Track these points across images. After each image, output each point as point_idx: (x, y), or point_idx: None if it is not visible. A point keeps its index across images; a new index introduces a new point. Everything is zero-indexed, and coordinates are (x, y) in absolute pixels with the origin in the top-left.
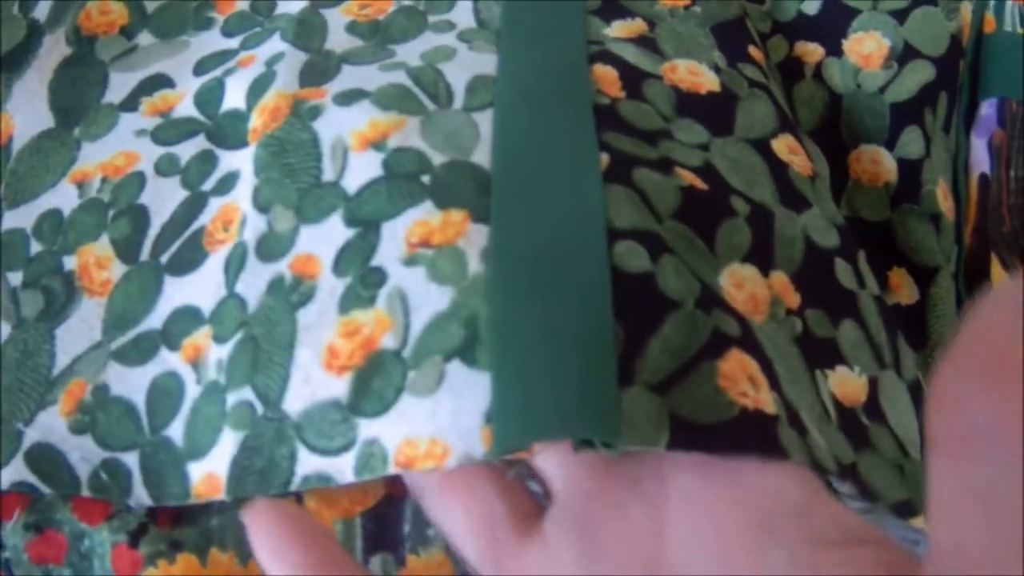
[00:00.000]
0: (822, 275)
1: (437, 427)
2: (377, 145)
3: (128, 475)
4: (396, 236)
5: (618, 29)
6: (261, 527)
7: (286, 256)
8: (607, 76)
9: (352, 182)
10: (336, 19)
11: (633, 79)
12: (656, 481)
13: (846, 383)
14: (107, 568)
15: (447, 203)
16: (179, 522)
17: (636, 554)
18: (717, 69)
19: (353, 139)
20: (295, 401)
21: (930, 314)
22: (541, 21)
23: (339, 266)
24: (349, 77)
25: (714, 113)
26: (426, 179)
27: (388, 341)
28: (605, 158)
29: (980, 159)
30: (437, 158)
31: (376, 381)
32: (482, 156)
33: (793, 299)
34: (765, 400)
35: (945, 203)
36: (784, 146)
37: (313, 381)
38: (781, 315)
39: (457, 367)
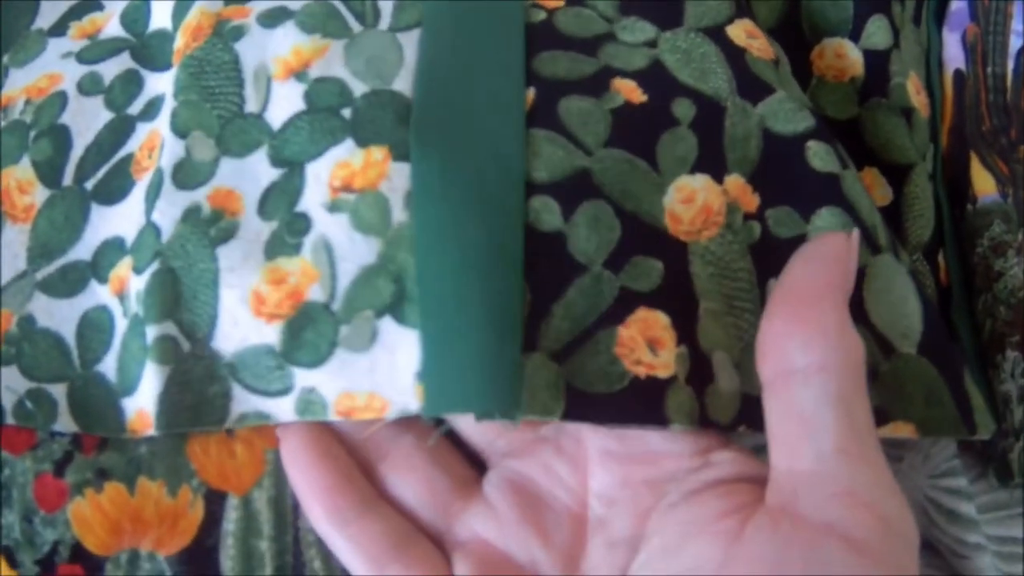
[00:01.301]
0: (788, 166)
1: (375, 382)
2: (299, 75)
3: (54, 405)
4: (319, 179)
5: None
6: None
7: (204, 186)
8: None
9: (275, 116)
10: None
11: None
12: (574, 441)
13: None
14: (27, 499)
15: (367, 140)
16: (105, 448)
17: (565, 509)
18: None
19: (276, 67)
20: (226, 342)
21: (907, 213)
22: None
23: (264, 208)
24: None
25: (661, 6)
26: (347, 113)
27: (315, 293)
28: (531, 93)
29: (953, 55)
30: (359, 88)
31: (308, 333)
32: (404, 83)
33: (751, 201)
34: (663, 362)
35: (917, 97)
36: (741, 31)
37: (243, 324)
38: (737, 223)
39: (389, 324)
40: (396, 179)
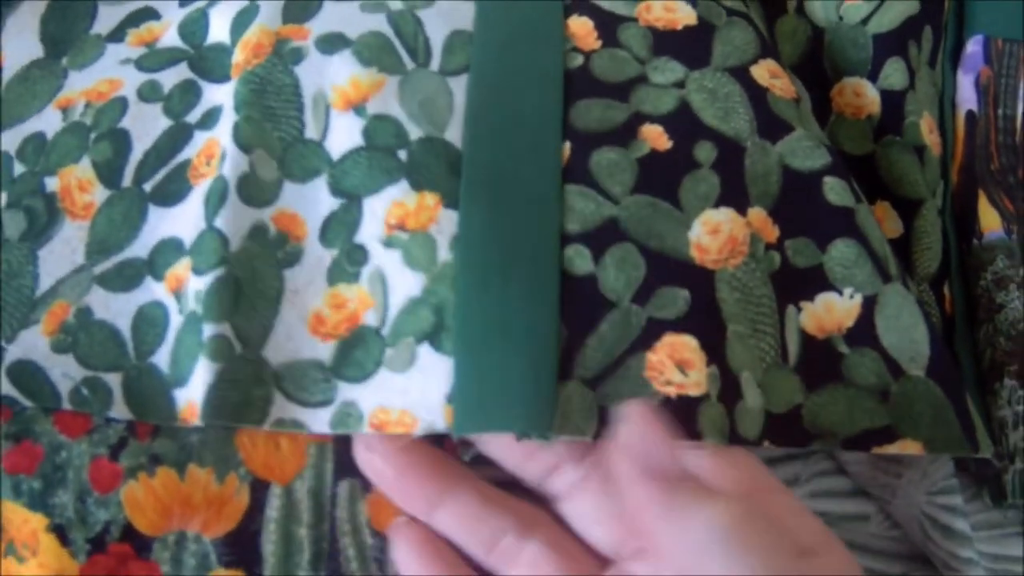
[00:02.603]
0: (804, 200)
1: (408, 401)
2: (358, 108)
3: (109, 393)
4: (376, 214)
5: None
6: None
7: (270, 206)
8: (582, 28)
9: (335, 145)
10: None
11: (609, 27)
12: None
13: (828, 311)
14: (82, 480)
15: (421, 185)
16: (158, 435)
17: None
18: (694, 2)
19: (335, 95)
20: (276, 352)
21: (916, 246)
22: None
23: (326, 236)
24: (331, 16)
25: (691, 46)
26: (403, 155)
27: (370, 318)
28: (567, 148)
29: (967, 97)
30: (414, 131)
31: (358, 352)
32: (454, 132)
33: (771, 233)
34: (694, 382)
35: (930, 136)
36: (765, 71)
37: (297, 340)
38: (760, 252)
39: (427, 350)
40: (444, 223)
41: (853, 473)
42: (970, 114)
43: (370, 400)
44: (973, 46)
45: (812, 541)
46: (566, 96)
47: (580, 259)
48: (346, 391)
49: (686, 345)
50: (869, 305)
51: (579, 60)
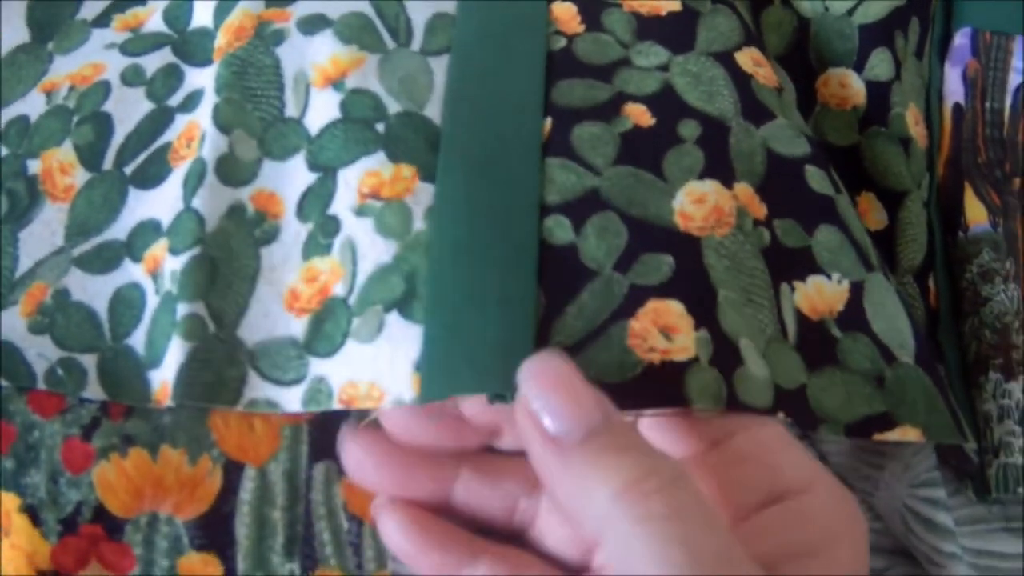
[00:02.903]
0: (790, 184)
1: (376, 372)
2: (336, 84)
3: (84, 373)
4: (350, 184)
5: None
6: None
7: (248, 186)
8: (566, 13)
9: (313, 122)
10: None
11: (592, 11)
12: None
13: (819, 293)
14: (55, 461)
15: (398, 157)
16: (131, 416)
17: None
18: None
19: (315, 73)
20: (251, 331)
21: (900, 237)
22: None
23: (302, 211)
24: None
25: (675, 31)
26: (380, 127)
27: (339, 288)
28: (548, 123)
29: (954, 89)
30: (392, 106)
31: (328, 325)
32: (434, 109)
33: (759, 210)
34: (680, 346)
35: (916, 128)
36: (748, 58)
37: (273, 317)
38: (748, 226)
39: (395, 318)
40: (420, 195)
41: (834, 464)
42: (957, 107)
43: (339, 374)
44: (961, 38)
45: (796, 478)
46: (548, 76)
47: (560, 229)
48: (317, 366)
49: (671, 310)
50: (857, 291)
51: (562, 43)
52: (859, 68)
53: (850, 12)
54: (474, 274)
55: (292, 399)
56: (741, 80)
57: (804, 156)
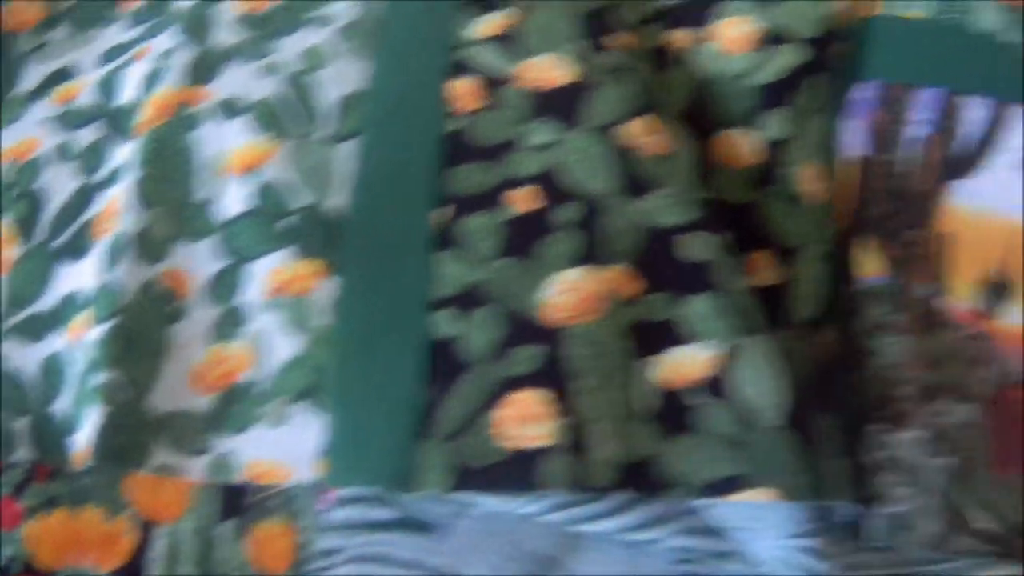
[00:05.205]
0: (667, 256)
1: (282, 453)
2: (248, 174)
3: (14, 437)
4: (259, 277)
5: (485, 25)
6: None
7: (161, 263)
8: (465, 89)
9: (226, 209)
10: (227, 11)
11: (490, 87)
12: None
13: (685, 363)
14: None
15: (305, 252)
16: (55, 478)
17: None
18: (577, 59)
19: (229, 161)
20: (161, 401)
21: (793, 293)
22: (414, 28)
23: (211, 295)
24: (232, 79)
25: (566, 106)
26: (289, 221)
27: (247, 375)
28: (442, 213)
29: (856, 141)
30: (301, 199)
31: (234, 407)
32: (339, 199)
33: (633, 287)
34: (539, 435)
35: (813, 184)
36: (637, 128)
37: (179, 391)
38: (618, 308)
39: (302, 408)
40: (325, 290)
41: (714, 514)
42: (858, 159)
43: (245, 452)
44: (864, 91)
45: None
46: (445, 160)
47: (447, 322)
48: (223, 442)
49: (535, 400)
50: (727, 357)
51: (460, 123)
52: (756, 127)
53: (748, 73)
54: (371, 369)
55: (197, 468)
56: (626, 154)
57: (685, 224)
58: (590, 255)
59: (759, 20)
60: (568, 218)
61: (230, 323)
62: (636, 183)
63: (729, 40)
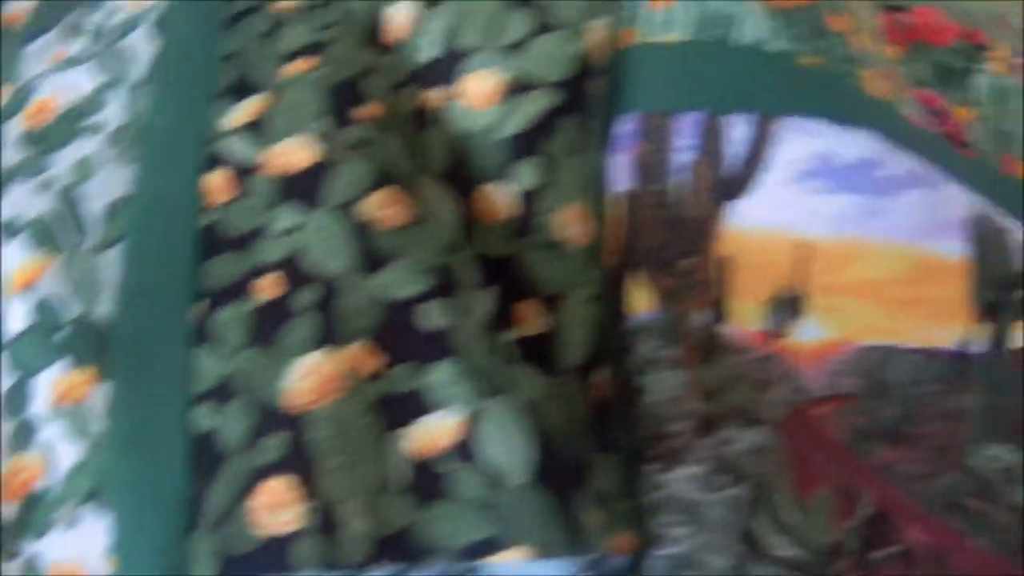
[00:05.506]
0: (405, 328)
1: (77, 554)
2: (27, 290)
3: None
4: (42, 389)
5: (240, 113)
6: None
7: None
8: (218, 182)
9: (10, 327)
10: (13, 129)
11: (241, 176)
12: None
13: (432, 431)
14: None
15: (80, 361)
16: None
17: None
18: (321, 138)
19: (8, 281)
20: None
21: (559, 341)
22: (173, 126)
23: (6, 410)
24: (11, 200)
25: (309, 188)
26: (64, 333)
27: (40, 483)
28: (199, 308)
29: (621, 176)
30: (71, 310)
31: (34, 514)
32: (107, 306)
33: (374, 363)
34: (289, 520)
35: (574, 227)
36: (376, 202)
37: None
38: (359, 386)
39: (89, 509)
40: (99, 395)
41: None
42: (624, 193)
43: (48, 555)
44: (626, 123)
45: None
46: (201, 254)
47: (207, 416)
48: (29, 546)
49: (283, 487)
50: (471, 422)
51: (213, 216)
52: (508, 179)
53: (496, 126)
54: (142, 467)
55: (14, 569)
56: (364, 230)
57: (424, 293)
58: (328, 336)
59: (502, 71)
60: (308, 301)
61: (23, 435)
62: (373, 258)
63: (474, 96)
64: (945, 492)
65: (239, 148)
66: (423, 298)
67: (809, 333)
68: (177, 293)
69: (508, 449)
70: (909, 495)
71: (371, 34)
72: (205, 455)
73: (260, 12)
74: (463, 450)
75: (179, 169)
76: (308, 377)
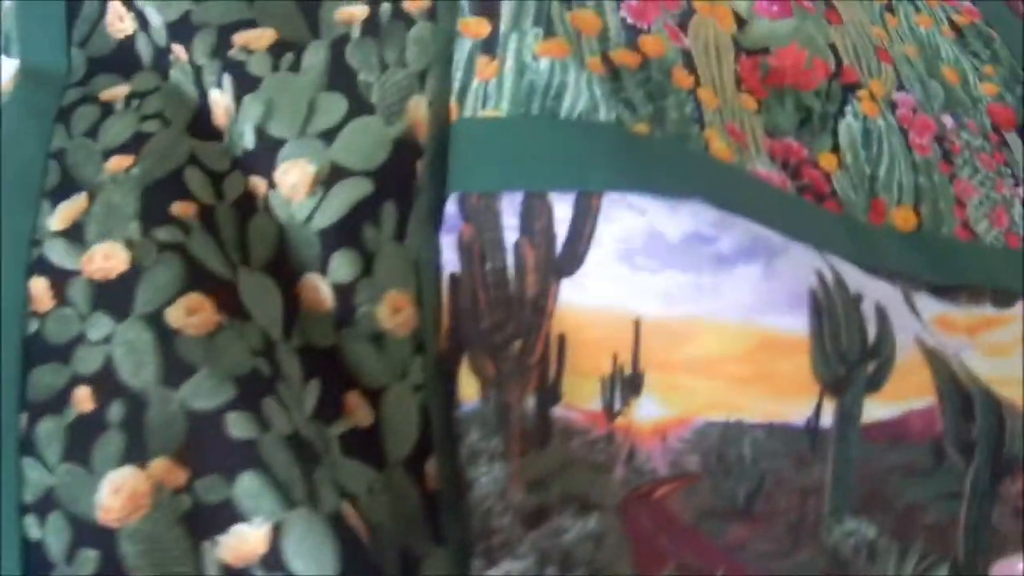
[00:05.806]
0: (210, 440)
1: None
2: None
3: None
4: None
5: (61, 215)
6: None
7: None
8: (40, 289)
9: None
10: None
11: (60, 284)
12: None
13: (241, 542)
14: None
15: None
16: None
17: None
18: (129, 245)
19: None
20: None
21: (384, 432)
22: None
23: None
24: None
25: (120, 296)
26: None
27: None
28: (24, 420)
29: (448, 259)
30: None
31: None
32: None
33: (179, 477)
34: None
35: (395, 317)
36: (183, 309)
37: None
38: (166, 500)
39: None
40: None
41: None
42: (452, 277)
43: None
44: (451, 205)
45: None
46: (25, 365)
47: (33, 528)
48: None
49: None
50: (276, 532)
51: (35, 325)
52: (324, 271)
53: (309, 218)
54: None
55: None
56: (167, 341)
57: (226, 404)
58: (135, 452)
59: (314, 161)
60: (117, 415)
61: None
62: (176, 371)
63: (288, 186)
64: (801, 569)
65: (59, 252)
66: (226, 408)
67: (648, 411)
68: (8, 401)
69: (310, 561)
70: (763, 574)
71: (198, 119)
72: (36, 564)
73: (91, 103)
74: (270, 560)
75: (10, 272)
76: (118, 493)
